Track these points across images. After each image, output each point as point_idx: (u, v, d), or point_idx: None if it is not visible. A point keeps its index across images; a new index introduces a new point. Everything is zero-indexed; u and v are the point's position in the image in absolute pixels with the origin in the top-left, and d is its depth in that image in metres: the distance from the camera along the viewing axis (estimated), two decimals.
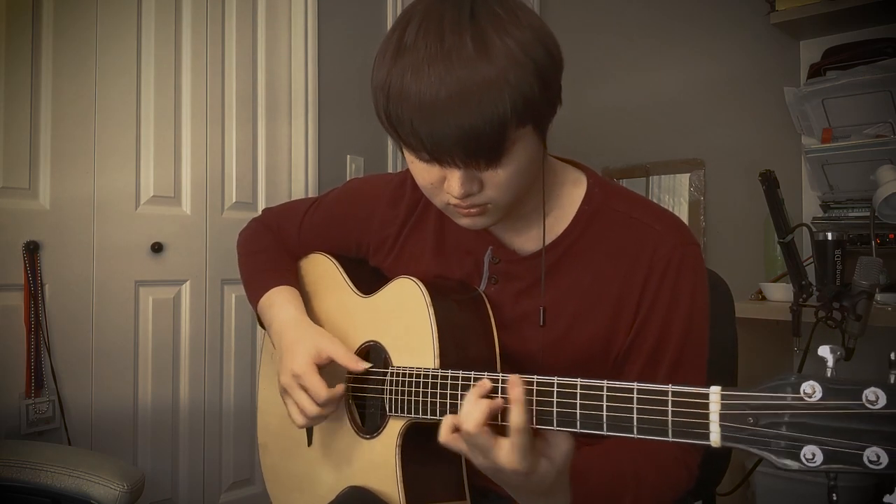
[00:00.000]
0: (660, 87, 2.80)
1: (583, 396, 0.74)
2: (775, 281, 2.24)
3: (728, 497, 1.77)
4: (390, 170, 2.73)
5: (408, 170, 1.00)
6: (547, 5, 3.12)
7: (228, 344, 2.32)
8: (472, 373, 0.85)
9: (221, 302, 2.30)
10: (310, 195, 2.43)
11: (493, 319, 0.98)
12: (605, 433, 0.72)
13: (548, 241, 0.98)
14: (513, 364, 0.96)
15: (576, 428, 0.74)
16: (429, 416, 0.90)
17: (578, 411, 0.74)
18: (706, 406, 0.66)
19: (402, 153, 0.89)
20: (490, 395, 0.79)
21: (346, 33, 2.60)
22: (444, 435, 0.80)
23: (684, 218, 2.68)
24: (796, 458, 0.59)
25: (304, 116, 2.47)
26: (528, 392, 0.77)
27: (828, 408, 0.58)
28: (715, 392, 0.65)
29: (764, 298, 2.21)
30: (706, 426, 0.65)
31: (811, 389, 0.59)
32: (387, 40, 0.83)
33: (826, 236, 1.90)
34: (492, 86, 0.76)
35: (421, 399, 0.91)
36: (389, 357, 1.00)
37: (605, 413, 0.72)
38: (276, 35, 2.46)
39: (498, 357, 0.96)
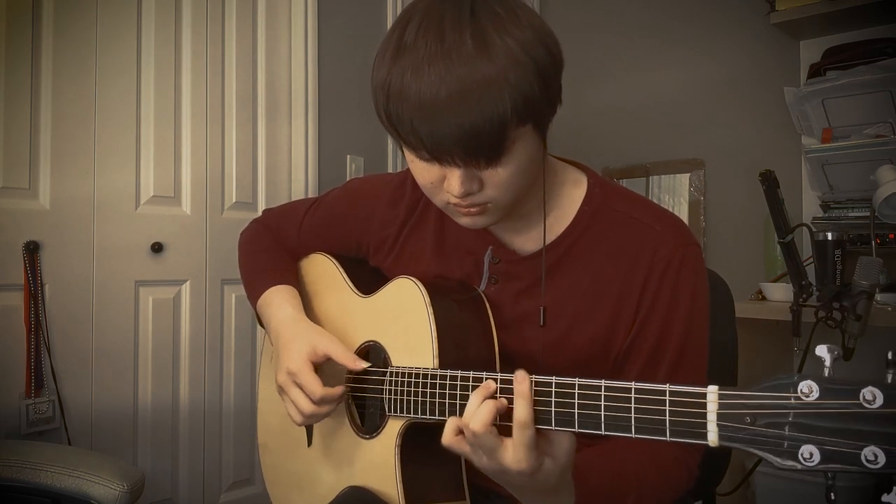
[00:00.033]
0: (660, 87, 2.80)
1: (581, 396, 0.74)
2: (775, 281, 2.24)
3: (728, 497, 1.77)
4: (390, 170, 2.73)
5: (408, 170, 1.00)
6: (547, 5, 3.12)
7: (228, 344, 2.32)
8: (472, 373, 0.84)
9: (221, 302, 2.30)
10: (310, 195, 2.43)
11: (492, 319, 0.98)
12: (603, 433, 0.72)
13: (548, 241, 0.98)
14: (512, 364, 0.96)
15: (574, 428, 0.74)
16: (428, 416, 0.90)
17: (576, 411, 0.74)
18: (704, 406, 0.66)
19: (402, 152, 0.89)
20: (493, 395, 0.79)
21: (346, 33, 2.60)
22: (448, 437, 0.80)
23: (684, 218, 2.68)
24: (794, 457, 0.59)
25: (304, 116, 2.47)
26: (531, 395, 0.76)
27: (825, 407, 0.58)
28: (712, 392, 0.65)
29: (764, 298, 2.21)
30: (704, 426, 0.65)
31: (808, 389, 0.59)
32: (387, 40, 0.83)
33: (826, 236, 1.90)
34: (492, 85, 0.76)
35: (420, 399, 0.91)
36: (389, 357, 1.00)
37: (602, 413, 0.72)
38: (276, 35, 2.46)
39: (497, 357, 0.96)
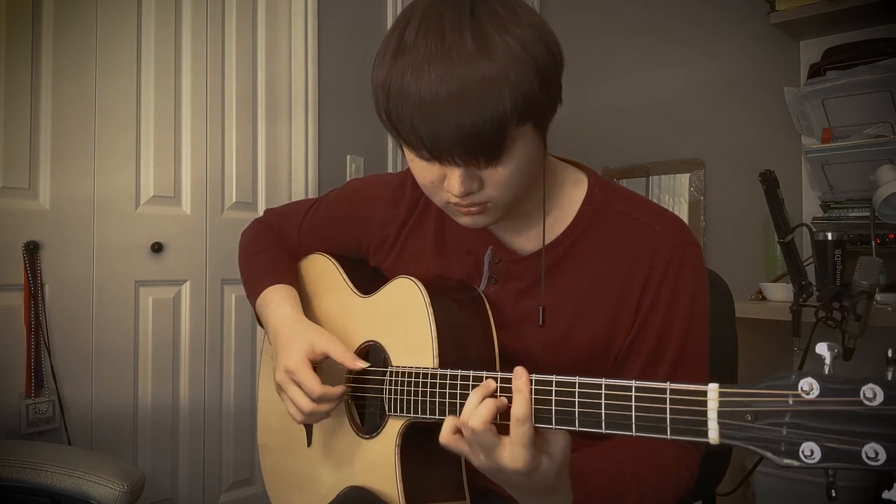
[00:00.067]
0: (660, 87, 2.80)
1: (581, 395, 0.74)
2: (775, 281, 2.24)
3: (728, 497, 1.77)
4: (390, 170, 2.73)
5: (408, 170, 1.00)
6: (547, 5, 3.12)
7: (228, 344, 2.32)
8: (472, 372, 0.85)
9: (221, 302, 2.30)
10: (310, 195, 2.44)
11: (492, 319, 0.98)
12: (603, 431, 0.72)
13: (548, 240, 0.98)
14: (512, 364, 0.96)
15: (574, 426, 0.74)
16: (428, 416, 0.90)
17: (577, 409, 0.74)
18: (704, 403, 0.66)
19: (403, 152, 0.89)
20: (493, 394, 0.79)
21: (346, 33, 2.60)
22: (446, 436, 0.80)
23: (684, 218, 2.68)
24: (795, 455, 0.59)
25: (304, 116, 2.47)
26: (530, 391, 0.77)
27: (826, 405, 0.58)
28: (713, 389, 0.65)
29: (764, 298, 2.21)
30: (704, 423, 0.65)
31: (809, 386, 0.59)
32: (387, 39, 0.83)
33: (826, 236, 1.90)
34: (492, 84, 0.76)
35: (420, 399, 0.91)
36: (389, 357, 1.00)
37: (603, 411, 0.72)
38: (276, 35, 2.46)
39: (497, 357, 0.96)
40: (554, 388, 0.75)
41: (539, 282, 0.97)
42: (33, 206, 1.88)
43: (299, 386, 1.00)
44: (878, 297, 1.87)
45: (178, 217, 2.20)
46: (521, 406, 0.74)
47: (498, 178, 0.84)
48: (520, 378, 0.76)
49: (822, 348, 0.60)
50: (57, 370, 1.88)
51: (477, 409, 0.77)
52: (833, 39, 2.35)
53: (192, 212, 2.23)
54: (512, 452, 0.75)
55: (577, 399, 0.74)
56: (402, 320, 0.99)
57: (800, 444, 0.59)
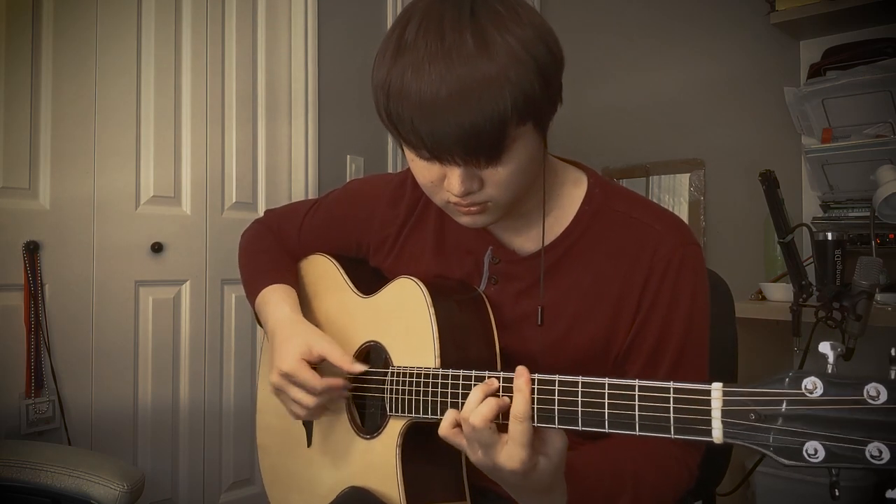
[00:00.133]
0: (660, 87, 2.80)
1: (584, 394, 0.74)
2: (775, 281, 2.24)
3: (728, 497, 1.77)
4: (390, 170, 2.73)
5: (408, 170, 1.00)
6: (547, 5, 3.12)
7: (228, 344, 2.32)
8: (473, 372, 0.85)
9: (221, 302, 2.30)
10: (310, 195, 2.44)
11: (493, 320, 0.98)
12: (606, 431, 0.72)
13: (548, 240, 0.98)
14: (513, 364, 0.96)
15: (578, 426, 0.74)
16: (430, 416, 0.90)
17: (580, 409, 0.74)
18: (708, 403, 0.66)
19: (403, 151, 0.89)
20: (495, 393, 0.79)
21: (346, 33, 2.60)
22: (445, 429, 0.80)
23: (684, 218, 2.68)
24: (798, 454, 0.59)
25: (304, 116, 2.47)
26: (530, 390, 0.77)
27: (829, 404, 0.58)
28: (717, 388, 0.65)
29: (764, 298, 2.21)
30: (708, 423, 0.65)
31: (813, 385, 0.59)
32: (387, 39, 0.83)
33: (826, 236, 1.90)
34: (492, 83, 0.76)
35: (422, 399, 0.91)
36: (390, 357, 1.00)
37: (606, 410, 0.72)
38: (276, 35, 2.46)
39: (498, 357, 0.96)
40: (557, 388, 0.75)
41: (539, 282, 0.97)
42: (33, 206, 1.88)
43: (301, 386, 1.00)
44: (878, 297, 1.87)
45: (178, 217, 2.20)
46: (520, 405, 0.75)
47: (498, 177, 0.84)
48: (520, 377, 0.76)
49: (824, 347, 0.60)
50: (57, 370, 1.88)
51: (478, 407, 0.77)
52: (833, 39, 2.35)
53: (192, 212, 2.23)
54: (509, 451, 0.75)
55: (580, 399, 0.74)
56: (404, 320, 0.99)
57: (804, 444, 0.59)
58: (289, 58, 2.49)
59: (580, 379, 0.74)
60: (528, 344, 0.97)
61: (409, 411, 0.93)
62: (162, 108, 2.15)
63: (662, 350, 0.93)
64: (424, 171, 0.87)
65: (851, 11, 2.18)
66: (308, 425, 1.14)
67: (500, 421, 0.77)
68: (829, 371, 0.59)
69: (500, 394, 0.79)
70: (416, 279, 0.98)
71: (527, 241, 1.00)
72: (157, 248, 2.12)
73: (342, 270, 1.14)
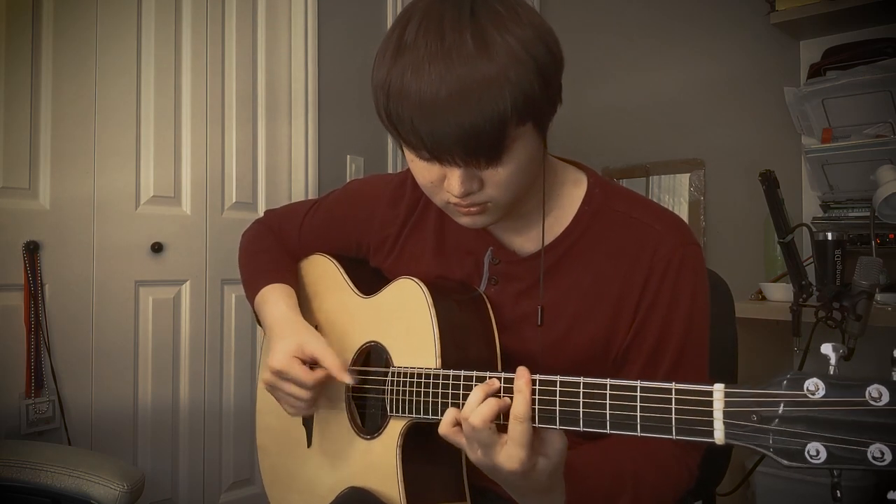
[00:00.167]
0: (660, 87, 2.80)
1: (586, 395, 0.74)
2: (775, 281, 2.24)
3: (728, 497, 1.77)
4: (390, 170, 2.73)
5: (408, 170, 1.00)
6: (547, 5, 3.12)
7: (228, 344, 2.32)
8: (474, 372, 0.85)
9: (221, 302, 2.30)
10: (310, 195, 2.44)
11: (493, 320, 0.98)
12: (608, 431, 0.72)
13: (548, 241, 0.98)
14: (513, 365, 0.96)
15: (579, 427, 0.74)
16: (430, 417, 0.90)
17: (581, 410, 0.74)
18: (710, 404, 0.66)
19: (403, 152, 0.89)
20: (496, 393, 0.79)
21: (346, 33, 2.60)
22: (445, 427, 0.80)
23: (684, 218, 2.68)
24: (800, 455, 0.59)
25: (304, 116, 2.47)
26: (531, 391, 0.77)
27: (831, 405, 0.58)
28: (718, 389, 0.65)
29: (764, 298, 2.21)
30: (710, 423, 0.65)
31: (815, 387, 0.59)
32: (387, 39, 0.82)
33: (826, 236, 1.90)
34: (492, 83, 0.75)
35: (422, 399, 0.91)
36: (390, 357, 1.00)
37: (608, 411, 0.72)
38: (276, 35, 2.46)
39: (499, 357, 0.96)
40: (558, 389, 0.75)
41: (539, 282, 0.97)
42: (33, 206, 1.88)
43: (292, 382, 1.00)
44: (878, 297, 1.87)
45: (178, 217, 2.20)
46: (520, 405, 0.75)
47: (498, 178, 0.84)
48: (521, 378, 0.76)
49: (826, 348, 0.60)
50: (57, 370, 1.88)
51: (479, 407, 0.77)
52: (833, 39, 2.35)
53: (192, 212, 2.23)
54: (509, 451, 0.75)
55: (581, 399, 0.74)
56: (405, 321, 0.98)
57: (805, 445, 0.59)
58: (289, 58, 2.49)
59: (582, 380, 0.74)
60: (528, 344, 0.97)
61: (410, 412, 0.93)
62: (162, 108, 2.15)
63: (662, 350, 0.93)
64: (424, 171, 0.87)
65: (851, 11, 2.18)
66: (308, 426, 1.14)
67: (501, 421, 0.77)
68: (831, 372, 0.59)
69: (501, 394, 0.79)
70: (416, 279, 0.98)
71: (527, 242, 1.00)
72: (157, 248, 2.12)
73: (342, 270, 1.14)
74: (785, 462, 0.60)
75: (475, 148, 0.79)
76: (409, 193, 1.08)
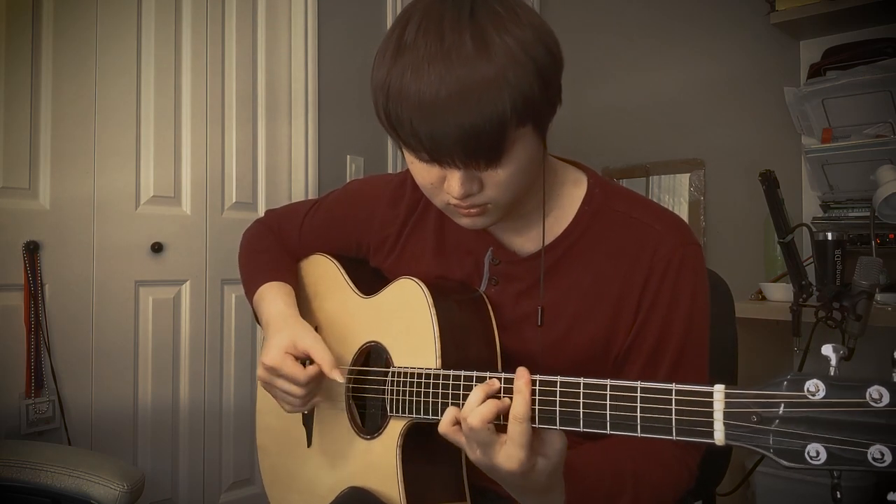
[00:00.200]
0: (660, 87, 2.80)
1: (586, 395, 0.74)
2: (775, 281, 2.24)
3: (728, 497, 1.77)
4: (390, 170, 2.73)
5: (408, 170, 1.00)
6: (547, 5, 3.12)
7: (228, 344, 2.32)
8: (475, 372, 0.85)
9: (221, 302, 2.30)
10: (310, 195, 2.44)
11: (493, 320, 0.98)
12: (608, 432, 0.72)
13: (548, 241, 0.97)
14: (513, 365, 0.96)
15: (579, 427, 0.74)
16: (430, 417, 0.90)
17: (582, 410, 0.74)
18: (710, 405, 0.65)
19: (402, 153, 0.88)
20: (496, 394, 0.79)
21: (346, 33, 2.60)
22: (445, 426, 0.80)
23: (684, 218, 2.67)
24: (800, 456, 0.59)
25: (304, 116, 2.47)
26: (531, 391, 0.77)
27: (831, 406, 0.58)
28: (719, 390, 0.65)
29: (764, 298, 2.21)
30: (710, 424, 0.65)
31: (815, 388, 0.59)
32: (387, 39, 0.82)
33: (826, 236, 1.90)
34: (491, 85, 0.75)
35: (422, 399, 0.91)
36: (390, 357, 1.00)
37: (608, 412, 0.72)
38: (276, 35, 2.46)
39: (499, 358, 0.96)
40: (558, 389, 0.75)
41: (539, 282, 0.97)
42: (33, 206, 1.88)
43: (285, 378, 1.00)
44: (878, 297, 1.87)
45: (178, 217, 2.20)
46: (520, 406, 0.75)
47: (498, 179, 0.84)
48: (520, 378, 0.76)
49: (827, 349, 0.60)
50: (57, 370, 1.88)
51: (478, 408, 0.77)
52: (833, 39, 2.35)
53: (192, 212, 2.23)
54: (508, 451, 0.75)
55: (581, 400, 0.74)
56: (405, 321, 0.98)
57: (805, 446, 0.59)
58: (289, 58, 2.49)
59: (582, 380, 0.74)
60: (528, 344, 0.97)
61: (410, 412, 0.93)
62: (162, 108, 2.15)
63: (662, 350, 0.93)
64: (424, 173, 0.87)
65: (851, 11, 2.18)
66: (308, 426, 1.14)
67: (500, 422, 0.77)
68: (831, 373, 0.59)
69: (501, 395, 0.79)
70: (416, 279, 0.98)
71: (527, 242, 1.00)
72: (157, 248, 2.12)
73: (343, 270, 1.14)
74: (785, 463, 0.60)
75: (475, 149, 0.79)
76: (409, 193, 1.08)
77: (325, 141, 2.53)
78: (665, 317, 0.93)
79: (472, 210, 0.88)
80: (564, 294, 0.96)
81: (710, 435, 0.65)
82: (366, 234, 1.13)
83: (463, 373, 0.86)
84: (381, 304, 1.05)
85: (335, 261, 1.16)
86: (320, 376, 1.00)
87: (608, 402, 0.72)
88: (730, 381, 0.66)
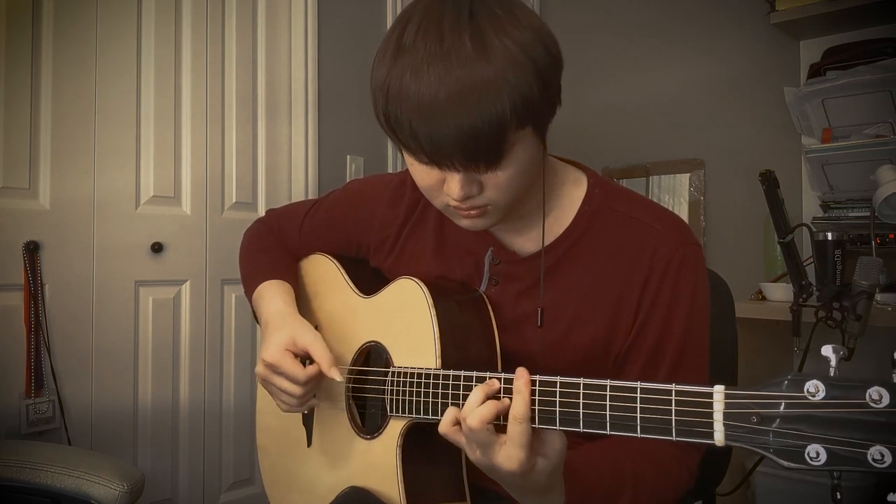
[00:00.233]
0: (660, 87, 2.80)
1: (586, 396, 0.74)
2: (775, 281, 2.24)
3: (728, 497, 1.77)
4: (390, 170, 2.73)
5: (408, 170, 1.00)
6: (547, 5, 3.12)
7: (228, 344, 2.32)
8: (474, 373, 0.85)
9: (221, 302, 2.30)
10: (310, 195, 2.44)
11: (493, 320, 0.98)
12: (608, 433, 0.72)
13: (548, 241, 0.97)
14: (513, 365, 0.96)
15: (579, 428, 0.74)
16: (430, 417, 0.90)
17: (581, 411, 0.74)
18: (710, 405, 0.65)
19: (402, 154, 0.88)
20: (496, 394, 0.79)
21: (346, 33, 2.60)
22: (445, 426, 0.80)
23: (684, 218, 2.68)
24: (800, 457, 0.59)
25: (304, 116, 2.47)
26: (531, 392, 0.77)
27: (831, 407, 0.58)
28: (719, 391, 0.65)
29: (764, 298, 2.21)
30: (710, 425, 0.65)
31: (815, 388, 0.59)
32: (386, 40, 0.82)
33: (826, 236, 1.90)
34: (491, 86, 0.75)
35: (422, 399, 0.91)
36: (390, 357, 1.00)
37: (608, 412, 0.72)
38: (276, 35, 2.46)
39: (499, 358, 0.96)
40: (558, 390, 0.75)
41: (539, 283, 0.97)
42: (33, 206, 1.88)
43: (284, 376, 1.00)
44: (878, 297, 1.87)
45: (178, 217, 2.20)
46: (519, 406, 0.75)
47: (498, 181, 0.84)
48: (520, 379, 0.76)
49: (827, 350, 0.60)
50: (57, 370, 1.88)
51: (477, 409, 0.77)
52: (833, 39, 2.35)
53: (192, 212, 2.23)
54: (507, 451, 0.75)
55: (581, 400, 0.74)
56: (405, 321, 0.98)
57: (805, 447, 0.59)
58: (289, 58, 2.49)
59: (582, 380, 0.74)
60: (528, 345, 0.97)
61: (410, 412, 0.93)
62: (162, 108, 2.15)
63: (662, 350, 0.93)
64: (423, 175, 0.87)
65: (851, 11, 2.18)
66: (308, 425, 1.14)
67: (500, 422, 0.77)
68: (832, 374, 0.59)
69: (501, 395, 0.79)
70: (416, 279, 0.98)
71: (527, 242, 1.00)
72: (157, 248, 2.12)
73: (343, 270, 1.14)
74: (785, 463, 0.60)
75: (474, 151, 0.79)
76: (409, 193, 1.08)
77: (325, 141, 2.53)
78: (665, 317, 0.93)
79: (471, 212, 0.88)
80: (564, 294, 0.96)
81: (710, 436, 0.65)
82: (366, 234, 1.13)
83: (463, 373, 0.86)
84: (380, 304, 1.05)
85: (335, 260, 1.16)
86: (319, 376, 1.00)
87: (608, 403, 0.72)
88: (730, 382, 0.66)
